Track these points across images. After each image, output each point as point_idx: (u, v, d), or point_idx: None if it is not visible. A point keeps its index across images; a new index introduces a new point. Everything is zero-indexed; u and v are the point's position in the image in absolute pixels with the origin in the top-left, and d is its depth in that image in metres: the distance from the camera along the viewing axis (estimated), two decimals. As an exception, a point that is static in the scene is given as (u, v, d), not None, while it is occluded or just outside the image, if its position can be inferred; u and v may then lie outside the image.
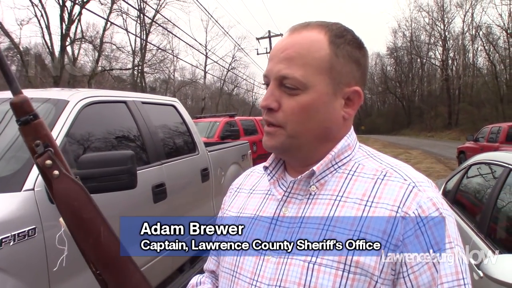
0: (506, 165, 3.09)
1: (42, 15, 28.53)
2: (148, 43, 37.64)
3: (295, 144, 0.98)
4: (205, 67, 46.39)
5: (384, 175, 0.96)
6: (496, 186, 3.13)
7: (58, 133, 2.69)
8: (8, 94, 3.34)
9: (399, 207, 0.90)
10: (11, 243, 2.11)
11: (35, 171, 2.44)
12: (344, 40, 0.99)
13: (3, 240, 2.07)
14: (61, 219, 0.97)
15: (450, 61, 52.42)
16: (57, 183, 0.94)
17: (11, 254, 2.11)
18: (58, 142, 2.65)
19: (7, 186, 2.36)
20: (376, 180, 0.96)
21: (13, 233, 2.13)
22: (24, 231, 2.20)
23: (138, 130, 3.76)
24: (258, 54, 40.18)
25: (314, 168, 0.98)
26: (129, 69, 38.43)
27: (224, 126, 13.03)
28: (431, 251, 0.88)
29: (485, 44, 44.47)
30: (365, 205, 0.93)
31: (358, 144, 1.07)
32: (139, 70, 39.61)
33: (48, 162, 0.94)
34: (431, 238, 0.88)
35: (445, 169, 15.45)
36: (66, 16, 28.52)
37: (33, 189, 2.37)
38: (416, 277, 0.88)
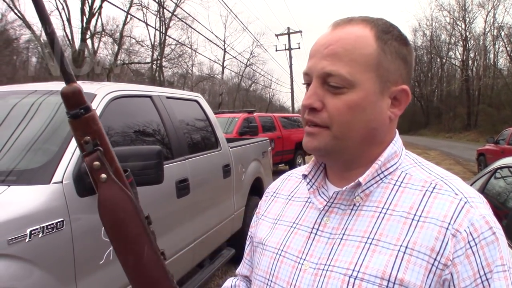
0: (535, 169, 3.04)
1: (63, 8, 28.79)
2: (167, 37, 37.77)
3: (340, 146, 0.92)
4: (223, 62, 46.47)
5: (434, 188, 0.90)
6: (524, 191, 3.08)
7: (86, 126, 2.69)
8: (34, 86, 3.36)
9: (449, 223, 0.84)
10: (40, 235, 2.12)
11: (63, 163, 2.45)
12: (391, 36, 0.93)
13: (32, 232, 2.08)
14: None
15: (470, 62, 51.70)
16: (104, 188, 0.86)
17: (39, 246, 2.13)
18: (86, 135, 2.65)
19: (36, 178, 2.38)
20: (424, 192, 0.90)
21: (41, 225, 2.14)
22: (53, 223, 2.22)
23: (162, 125, 3.76)
24: (276, 50, 40.11)
25: (360, 179, 0.92)
26: (147, 63, 38.66)
27: (243, 122, 13.04)
28: (481, 272, 0.82)
29: (506, 45, 43.83)
30: (413, 219, 0.87)
31: (405, 150, 1.01)
32: (158, 64, 39.77)
33: (96, 163, 0.86)
34: (483, 259, 0.82)
35: (464, 171, 15.28)
36: (87, 9, 28.73)
37: (61, 182, 2.38)
38: None
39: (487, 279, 0.82)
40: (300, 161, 16.07)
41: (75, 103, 0.86)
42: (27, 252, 2.06)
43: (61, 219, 2.28)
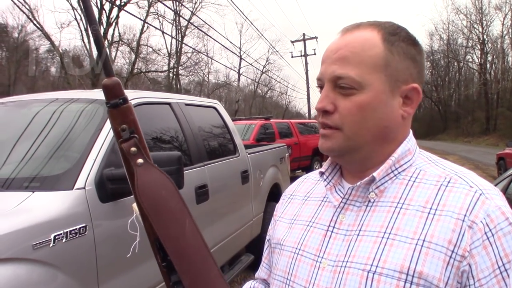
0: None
1: (81, 18, 29.11)
2: (183, 45, 38.02)
3: (353, 146, 0.95)
4: (239, 70, 46.52)
5: (448, 182, 0.92)
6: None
7: (107, 133, 2.73)
8: (56, 95, 3.42)
9: (465, 215, 0.85)
10: (63, 240, 2.16)
11: (86, 170, 2.49)
12: (398, 38, 0.96)
13: (56, 237, 2.12)
14: (134, 205, 0.95)
15: (488, 65, 51.10)
16: (142, 171, 0.90)
17: (63, 251, 2.16)
18: (107, 142, 2.70)
19: (59, 184, 2.42)
20: (439, 186, 0.92)
21: (65, 231, 2.18)
22: (76, 228, 2.25)
23: (181, 132, 3.80)
24: (292, 57, 40.13)
25: (375, 174, 0.94)
26: (164, 71, 38.90)
27: (260, 129, 13.04)
28: (500, 263, 0.83)
29: (525, 48, 43.30)
30: (429, 213, 0.88)
31: (418, 149, 1.03)
32: (174, 72, 40.04)
33: (133, 149, 0.90)
34: (500, 250, 0.83)
35: (483, 176, 15.07)
36: (104, 19, 29.08)
37: (84, 188, 2.42)
38: None
39: (506, 270, 0.83)
40: (317, 167, 15.99)
41: (115, 94, 0.91)
42: (51, 256, 2.10)
43: (84, 225, 2.31)
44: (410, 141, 1.01)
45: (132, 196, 0.92)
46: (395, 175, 0.97)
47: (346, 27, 1.00)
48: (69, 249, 2.20)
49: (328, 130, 0.96)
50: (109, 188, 2.52)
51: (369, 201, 0.96)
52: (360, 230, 0.93)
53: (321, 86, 0.99)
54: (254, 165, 5.14)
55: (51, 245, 2.09)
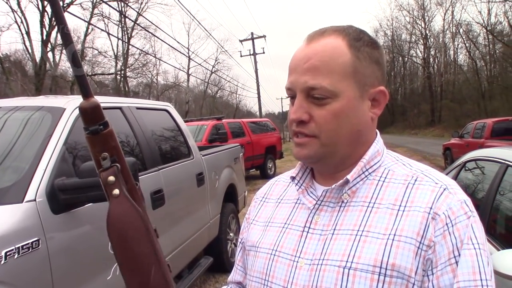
0: (503, 161, 3.11)
1: (22, 22, 28.09)
2: (130, 47, 37.37)
3: (329, 152, 0.98)
4: (188, 70, 46.12)
5: (415, 180, 0.97)
6: (493, 183, 3.15)
7: (56, 142, 2.63)
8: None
9: (431, 208, 0.91)
10: (15, 256, 2.07)
11: (36, 181, 2.39)
12: (362, 43, 0.99)
13: (8, 254, 2.03)
14: None
15: (431, 59, 52.90)
16: (115, 203, 0.83)
17: (16, 267, 2.07)
18: (57, 150, 2.60)
19: (8, 197, 2.31)
20: (407, 185, 0.97)
21: (17, 246, 2.09)
22: (28, 243, 2.16)
23: (134, 136, 3.72)
24: (241, 56, 40.10)
25: (348, 177, 0.98)
26: (111, 74, 38.10)
27: (212, 129, 12.97)
28: (456, 253, 0.88)
29: (465, 42, 44.79)
30: (398, 210, 0.93)
31: (386, 149, 1.07)
32: (122, 75, 39.31)
33: (111, 178, 0.83)
34: (458, 240, 0.88)
35: (431, 166, 15.52)
36: (46, 21, 28.15)
37: (34, 200, 2.32)
38: (437, 277, 0.88)
39: (454, 257, 0.88)
40: (271, 165, 16.10)
41: (94, 119, 0.84)
42: (3, 274, 2.00)
43: (37, 238, 2.22)
44: (379, 143, 1.05)
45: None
46: (366, 176, 1.01)
47: (310, 34, 1.02)
48: (22, 265, 2.11)
49: (304, 138, 0.98)
50: (62, 198, 2.42)
51: (343, 201, 0.99)
52: (334, 229, 0.96)
53: (292, 96, 1.00)
54: (209, 167, 5.11)
55: (2, 262, 1.99)
